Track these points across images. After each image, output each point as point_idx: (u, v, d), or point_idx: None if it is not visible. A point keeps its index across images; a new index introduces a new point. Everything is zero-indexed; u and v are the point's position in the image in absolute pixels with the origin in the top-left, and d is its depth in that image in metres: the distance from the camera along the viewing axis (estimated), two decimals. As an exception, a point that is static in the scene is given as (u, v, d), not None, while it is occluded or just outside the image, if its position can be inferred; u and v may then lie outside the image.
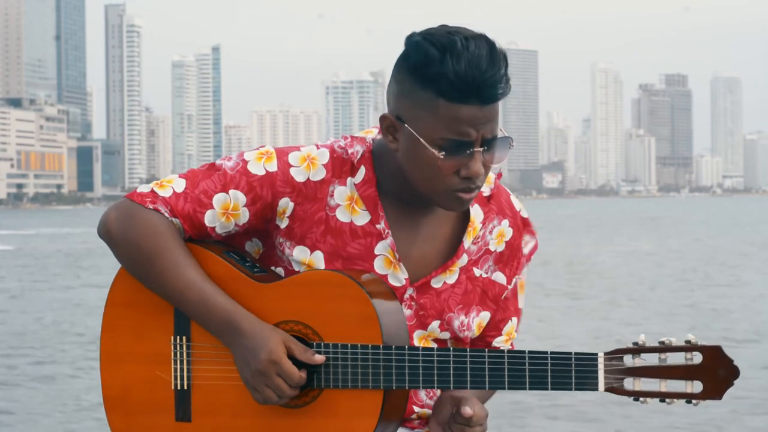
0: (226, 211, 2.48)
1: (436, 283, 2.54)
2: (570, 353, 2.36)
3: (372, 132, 2.58)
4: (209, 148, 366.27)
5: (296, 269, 2.51)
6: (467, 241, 2.55)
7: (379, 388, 2.41)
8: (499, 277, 2.61)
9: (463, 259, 2.55)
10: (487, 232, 2.58)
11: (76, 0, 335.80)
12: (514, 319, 2.68)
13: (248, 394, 2.46)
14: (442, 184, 2.40)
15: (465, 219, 2.57)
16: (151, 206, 2.46)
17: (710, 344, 2.33)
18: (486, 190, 2.59)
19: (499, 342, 2.66)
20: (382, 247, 2.51)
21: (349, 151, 2.53)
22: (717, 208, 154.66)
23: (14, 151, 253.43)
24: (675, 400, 2.33)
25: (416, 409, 2.60)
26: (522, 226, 2.64)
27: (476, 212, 2.57)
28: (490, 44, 2.35)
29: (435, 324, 2.55)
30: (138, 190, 2.51)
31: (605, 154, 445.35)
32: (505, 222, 2.60)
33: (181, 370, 2.50)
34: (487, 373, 2.39)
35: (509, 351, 2.39)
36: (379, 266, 2.51)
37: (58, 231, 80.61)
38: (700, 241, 52.25)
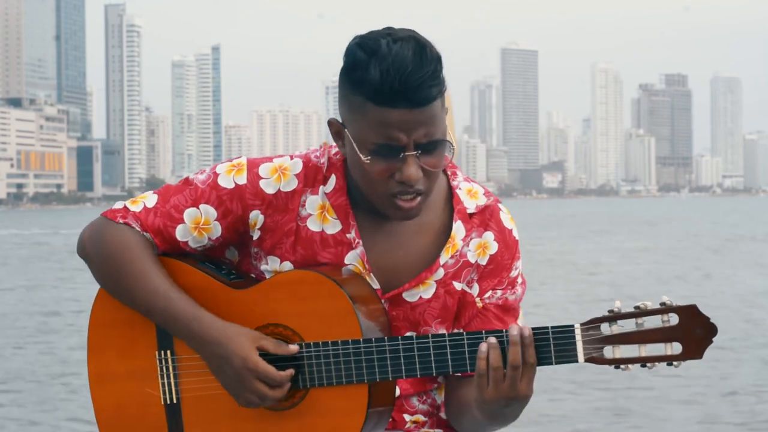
0: (197, 225, 2.48)
1: (411, 297, 2.50)
2: (546, 327, 2.32)
3: None
4: (209, 148, 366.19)
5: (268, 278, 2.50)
6: (444, 256, 2.50)
7: (363, 382, 2.39)
8: (475, 289, 2.54)
9: (439, 273, 2.50)
10: (464, 245, 2.52)
11: (76, 0, 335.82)
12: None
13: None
14: (379, 189, 2.36)
15: (446, 233, 2.52)
16: (121, 221, 2.48)
17: (685, 304, 2.29)
18: (471, 207, 2.53)
19: None
20: (352, 257, 2.48)
21: (321, 161, 2.50)
22: (717, 208, 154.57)
23: (14, 151, 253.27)
24: (656, 363, 2.30)
25: (407, 417, 2.57)
26: (512, 245, 2.56)
27: (458, 228, 2.51)
28: (419, 45, 2.28)
29: (409, 335, 2.49)
30: (112, 207, 2.53)
31: (605, 154, 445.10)
32: (489, 235, 2.53)
33: (169, 384, 2.48)
34: (467, 354, 2.36)
35: (487, 331, 2.37)
36: None
37: (57, 231, 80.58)
38: (696, 238, 52.28)
